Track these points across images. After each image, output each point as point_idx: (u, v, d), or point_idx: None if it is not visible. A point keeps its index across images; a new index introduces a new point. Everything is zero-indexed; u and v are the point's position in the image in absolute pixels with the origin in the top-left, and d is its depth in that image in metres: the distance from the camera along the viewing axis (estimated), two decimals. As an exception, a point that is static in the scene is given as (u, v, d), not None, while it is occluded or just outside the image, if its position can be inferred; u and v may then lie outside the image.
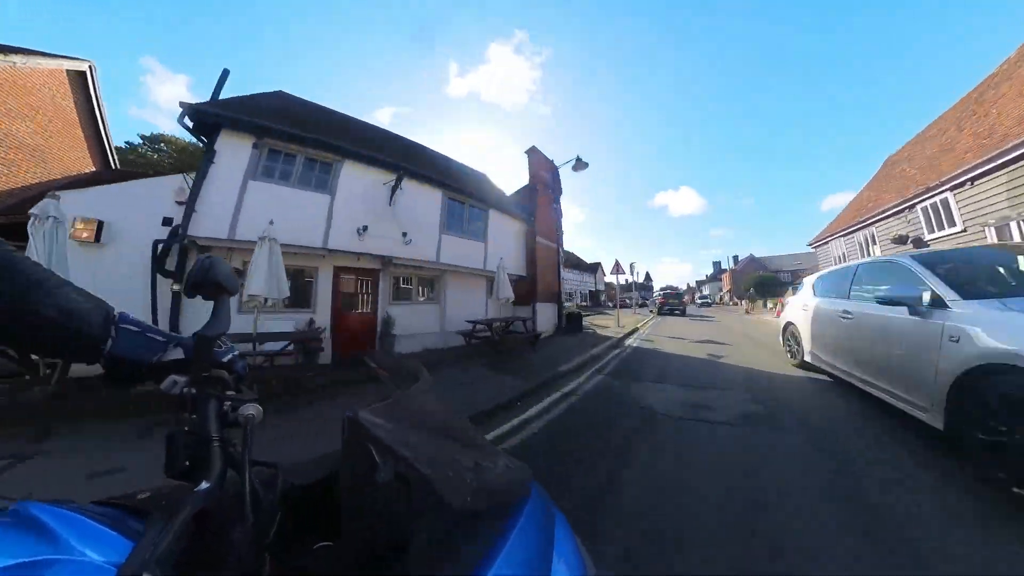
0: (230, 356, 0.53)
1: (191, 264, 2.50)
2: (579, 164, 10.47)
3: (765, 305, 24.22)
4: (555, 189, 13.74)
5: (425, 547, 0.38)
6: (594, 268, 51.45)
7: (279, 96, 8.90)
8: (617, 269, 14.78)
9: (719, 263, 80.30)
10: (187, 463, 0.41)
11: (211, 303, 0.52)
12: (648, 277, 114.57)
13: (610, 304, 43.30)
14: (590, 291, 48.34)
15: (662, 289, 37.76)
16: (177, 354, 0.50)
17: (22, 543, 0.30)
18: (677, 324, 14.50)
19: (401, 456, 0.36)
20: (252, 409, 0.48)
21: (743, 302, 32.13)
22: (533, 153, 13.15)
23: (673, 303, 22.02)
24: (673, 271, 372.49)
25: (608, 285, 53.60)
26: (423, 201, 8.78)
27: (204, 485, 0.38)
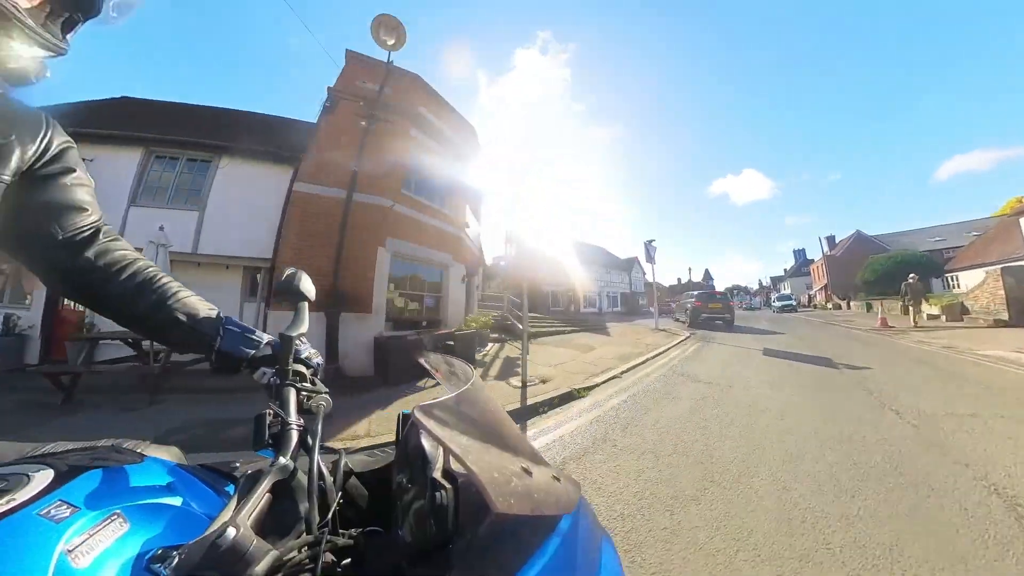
0: (307, 353, 0.63)
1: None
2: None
3: (915, 309, 11.61)
4: (408, 114, 7.01)
5: (466, 548, 0.41)
6: (629, 265, 43.04)
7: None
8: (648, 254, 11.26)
9: (802, 251, 64.66)
10: (269, 441, 0.48)
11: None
12: (708, 275, 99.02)
13: (651, 310, 35.20)
14: (622, 293, 40.29)
15: (697, 289, 25.25)
16: (267, 350, 0.63)
17: (151, 488, 0.39)
18: (729, 366, 6.33)
19: (451, 451, 0.35)
20: (323, 400, 0.58)
21: (874, 304, 18.97)
22: (354, 59, 7.14)
23: (714, 310, 14.44)
24: (738, 270, 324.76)
25: (649, 286, 44.93)
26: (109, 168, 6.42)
27: (281, 461, 0.42)
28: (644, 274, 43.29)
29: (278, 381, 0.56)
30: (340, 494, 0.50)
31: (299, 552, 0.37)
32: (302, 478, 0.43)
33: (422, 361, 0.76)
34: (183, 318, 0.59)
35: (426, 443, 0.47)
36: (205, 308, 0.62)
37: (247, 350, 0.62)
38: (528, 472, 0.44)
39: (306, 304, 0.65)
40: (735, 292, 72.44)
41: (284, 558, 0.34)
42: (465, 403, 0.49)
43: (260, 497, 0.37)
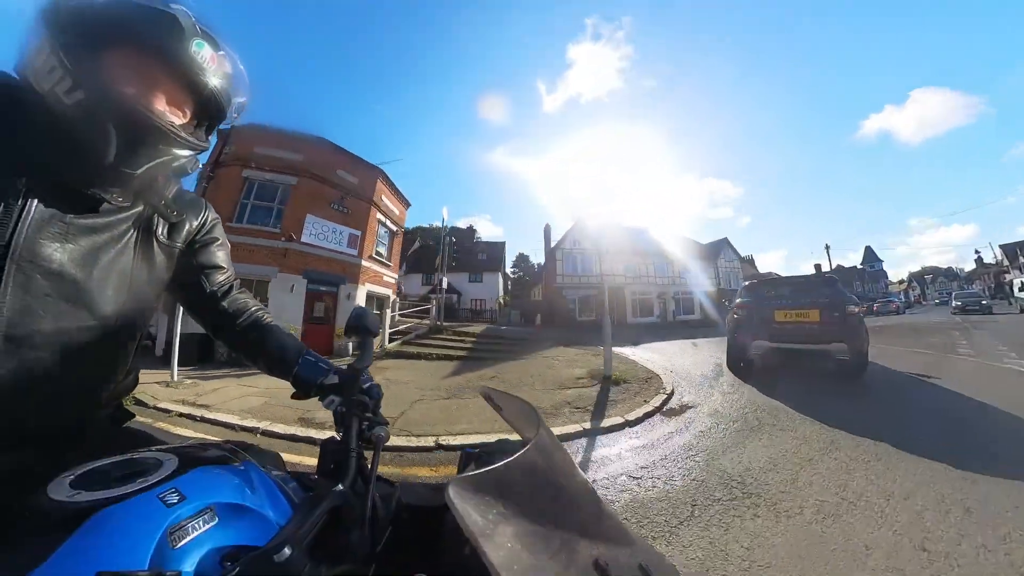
0: (369, 384, 0.67)
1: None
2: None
3: None
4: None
5: None
6: (714, 250, 30.27)
7: None
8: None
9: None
10: (332, 466, 0.51)
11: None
12: (870, 255, 68.01)
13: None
14: (707, 292, 28.18)
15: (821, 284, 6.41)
16: (334, 379, 0.69)
17: (242, 490, 0.41)
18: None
19: (486, 558, 0.30)
20: (382, 431, 0.58)
21: None
22: None
23: (798, 326, 4.97)
24: (940, 240, 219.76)
25: (766, 277, 31.03)
26: None
27: (339, 487, 0.43)
28: (739, 262, 29.91)
29: (343, 409, 0.62)
30: (391, 529, 0.49)
31: None
32: (357, 507, 0.44)
33: (485, 396, 0.73)
34: (275, 350, 0.74)
35: (470, 522, 0.35)
36: (291, 342, 0.75)
37: (318, 377, 0.69)
38: (603, 565, 0.36)
39: (371, 339, 0.70)
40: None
41: None
42: (524, 469, 0.41)
43: (317, 520, 0.38)
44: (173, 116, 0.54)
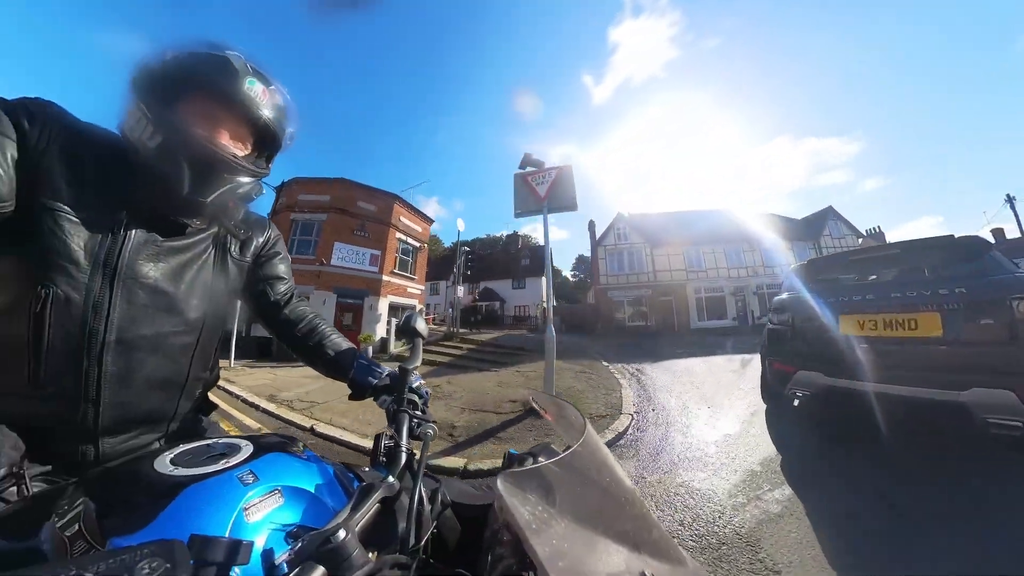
0: (418, 383, 0.71)
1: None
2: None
3: None
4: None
5: None
6: (815, 226, 23.50)
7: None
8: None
9: None
10: (382, 459, 0.54)
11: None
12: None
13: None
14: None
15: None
16: (387, 380, 0.76)
17: (303, 476, 0.45)
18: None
19: (534, 554, 0.31)
20: (430, 428, 0.62)
21: None
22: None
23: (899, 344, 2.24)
24: None
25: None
26: None
27: (390, 479, 0.46)
28: (855, 237, 22.83)
29: (395, 407, 0.63)
30: (435, 523, 0.50)
31: (389, 569, 0.39)
32: (404, 499, 0.46)
33: (531, 399, 0.72)
34: (331, 354, 0.83)
35: (518, 515, 0.36)
36: (346, 346, 0.86)
37: (372, 379, 0.77)
38: None
39: (420, 341, 0.75)
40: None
41: (377, 571, 0.37)
42: (571, 470, 0.42)
43: (369, 508, 0.40)
44: (236, 148, 0.64)
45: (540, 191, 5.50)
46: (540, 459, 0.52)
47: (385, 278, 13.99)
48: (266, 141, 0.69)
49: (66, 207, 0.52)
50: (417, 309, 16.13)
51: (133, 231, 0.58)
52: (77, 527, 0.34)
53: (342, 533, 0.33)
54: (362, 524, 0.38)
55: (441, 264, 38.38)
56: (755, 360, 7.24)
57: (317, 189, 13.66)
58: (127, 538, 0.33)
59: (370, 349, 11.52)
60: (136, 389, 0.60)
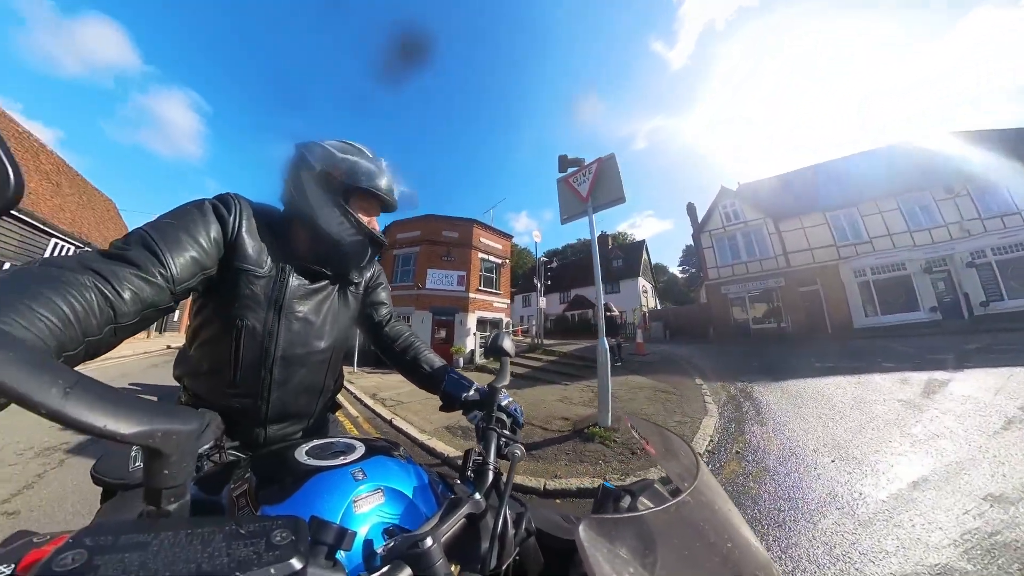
0: (508, 402, 0.75)
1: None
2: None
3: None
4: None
5: None
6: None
7: None
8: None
9: None
10: (470, 474, 0.57)
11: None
12: None
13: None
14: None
15: None
16: (475, 396, 0.82)
17: (402, 479, 0.50)
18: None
19: None
20: (518, 449, 0.61)
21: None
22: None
23: None
24: None
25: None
26: None
27: (476, 496, 0.47)
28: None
29: (484, 424, 0.66)
30: (517, 549, 0.48)
31: None
32: (489, 519, 0.46)
33: (631, 427, 0.66)
34: (426, 368, 0.95)
35: (598, 571, 0.31)
36: (438, 362, 0.96)
37: (461, 393, 0.83)
38: None
39: (508, 359, 0.81)
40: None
41: None
42: (675, 523, 0.35)
43: (455, 522, 0.42)
44: (374, 225, 0.87)
45: (583, 190, 4.84)
46: (640, 501, 0.51)
47: (471, 295, 15.53)
48: (385, 211, 0.91)
49: (251, 266, 0.74)
50: (504, 323, 17.07)
51: (291, 278, 0.79)
52: (243, 492, 0.46)
53: (429, 540, 0.35)
54: (447, 536, 0.40)
55: (532, 275, 38.90)
56: (954, 383, 4.66)
57: (410, 227, 16.31)
58: (273, 507, 0.43)
59: (461, 360, 12.94)
60: (291, 392, 0.83)
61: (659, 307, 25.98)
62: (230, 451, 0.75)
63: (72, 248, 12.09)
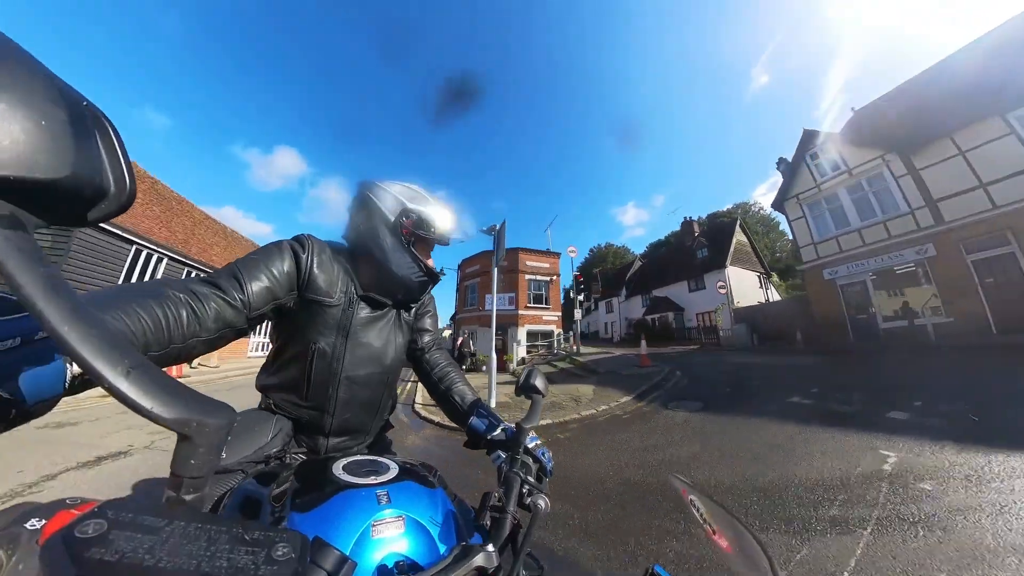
0: (533, 443, 0.72)
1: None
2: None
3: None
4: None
5: None
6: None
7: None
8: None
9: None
10: (486, 521, 0.51)
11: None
12: None
13: None
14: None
15: None
16: (501, 436, 0.80)
17: (426, 511, 0.50)
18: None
19: None
20: (541, 500, 0.55)
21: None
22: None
23: None
24: None
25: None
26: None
27: (488, 548, 0.43)
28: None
29: (507, 467, 0.61)
30: None
31: None
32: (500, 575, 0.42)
33: (689, 503, 0.56)
34: (457, 400, 0.98)
35: None
36: (471, 396, 0.98)
37: (486, 431, 0.82)
38: None
39: (540, 398, 0.73)
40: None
41: None
42: None
43: (462, 574, 0.39)
44: (431, 261, 0.96)
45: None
46: None
47: (520, 312, 18.86)
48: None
49: (323, 296, 0.83)
50: (555, 334, 19.14)
51: (357, 307, 0.88)
52: (282, 493, 0.49)
53: None
54: None
55: (615, 279, 35.39)
56: None
57: (473, 263, 21.10)
58: (302, 514, 0.45)
59: (512, 364, 16.01)
60: (353, 408, 0.92)
61: (770, 300, 19.66)
62: (296, 454, 0.82)
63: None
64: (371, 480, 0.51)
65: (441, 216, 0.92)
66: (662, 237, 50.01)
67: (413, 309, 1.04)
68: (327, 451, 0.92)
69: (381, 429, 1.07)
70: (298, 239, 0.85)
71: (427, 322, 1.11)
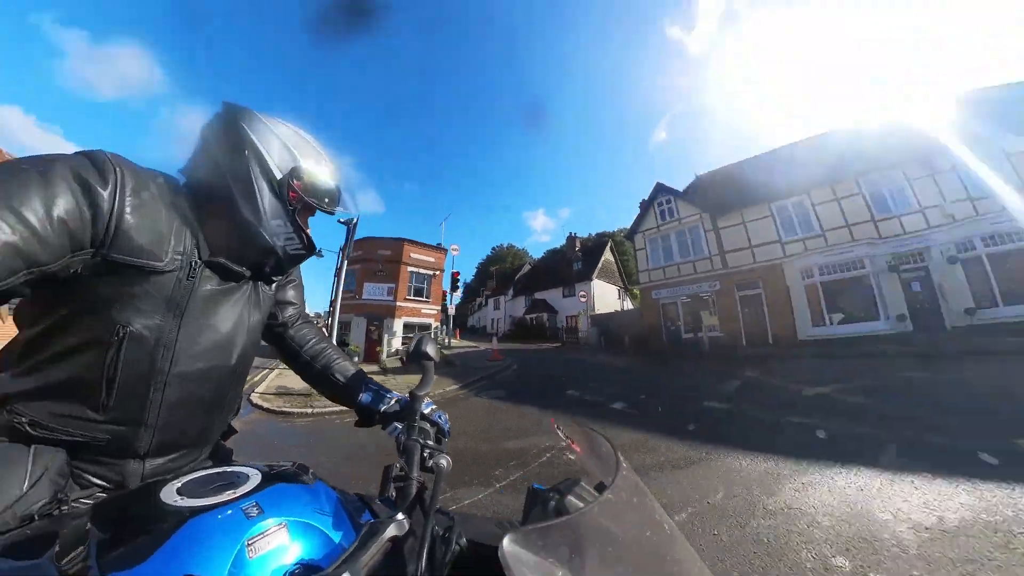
0: (429, 409, 0.72)
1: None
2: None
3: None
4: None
5: None
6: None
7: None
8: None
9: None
10: (392, 493, 0.53)
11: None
12: None
13: None
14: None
15: None
16: (395, 407, 0.76)
17: (310, 509, 0.44)
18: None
19: None
20: (444, 460, 0.57)
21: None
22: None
23: None
24: None
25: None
26: None
27: (398, 516, 0.42)
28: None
29: (405, 437, 0.61)
30: (448, 566, 0.44)
31: None
32: (414, 540, 0.42)
33: (556, 428, 0.64)
34: (340, 379, 0.85)
35: None
36: (353, 369, 0.87)
37: (379, 405, 0.77)
38: None
39: (432, 364, 0.69)
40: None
41: None
42: (598, 523, 0.36)
43: (376, 550, 0.37)
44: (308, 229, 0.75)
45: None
46: (568, 500, 0.47)
47: (399, 304, 17.62)
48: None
49: (145, 259, 0.56)
50: (432, 328, 18.40)
51: (201, 278, 0.63)
52: (76, 558, 0.35)
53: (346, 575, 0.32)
54: (369, 567, 0.35)
55: (507, 279, 37.37)
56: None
57: (355, 248, 18.16)
58: (123, 573, 0.33)
59: (383, 355, 14.81)
60: (186, 413, 0.66)
61: (624, 310, 23.80)
62: (80, 500, 0.56)
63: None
64: (227, 496, 0.42)
65: (333, 182, 0.74)
66: (558, 246, 55.27)
67: (275, 281, 0.82)
68: (143, 480, 0.64)
69: (222, 436, 0.83)
70: (91, 157, 0.53)
71: (290, 293, 0.92)
